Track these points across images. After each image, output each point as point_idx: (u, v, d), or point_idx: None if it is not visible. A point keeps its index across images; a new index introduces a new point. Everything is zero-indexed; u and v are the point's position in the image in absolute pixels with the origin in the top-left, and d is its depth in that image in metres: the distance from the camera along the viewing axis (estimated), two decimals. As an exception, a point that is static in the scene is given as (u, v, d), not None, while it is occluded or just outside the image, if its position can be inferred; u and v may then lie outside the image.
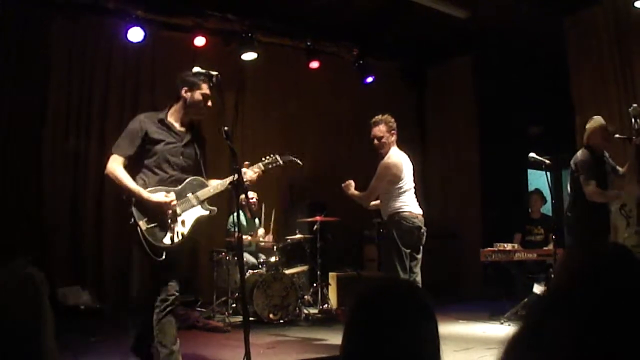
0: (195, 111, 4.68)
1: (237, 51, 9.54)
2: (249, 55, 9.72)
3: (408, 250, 6.03)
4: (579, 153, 6.73)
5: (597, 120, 6.81)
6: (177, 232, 4.44)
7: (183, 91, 4.62)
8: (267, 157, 5.01)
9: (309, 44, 10.45)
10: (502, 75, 10.66)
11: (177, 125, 4.66)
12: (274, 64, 10.68)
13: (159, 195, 4.38)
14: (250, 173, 4.75)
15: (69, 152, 8.94)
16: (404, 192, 6.17)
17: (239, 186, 4.29)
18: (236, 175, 4.28)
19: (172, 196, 4.41)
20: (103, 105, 9.24)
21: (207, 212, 4.65)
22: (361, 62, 10.96)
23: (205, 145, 4.85)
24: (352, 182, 6.53)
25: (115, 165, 4.45)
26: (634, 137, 6.50)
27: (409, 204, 6.14)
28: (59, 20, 8.82)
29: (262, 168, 4.91)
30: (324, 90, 11.04)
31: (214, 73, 4.49)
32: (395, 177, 6.14)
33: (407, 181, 6.23)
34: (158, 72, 9.52)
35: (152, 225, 4.36)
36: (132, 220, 4.35)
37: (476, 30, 10.09)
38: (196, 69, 4.57)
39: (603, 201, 6.48)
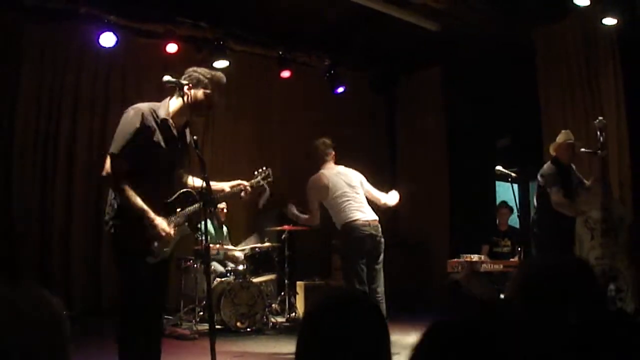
0: (197, 112, 4.33)
1: (208, 59, 9.51)
2: (220, 63, 9.68)
3: (363, 260, 6.02)
4: (546, 166, 6.81)
5: (565, 135, 6.90)
6: (165, 251, 4.23)
7: (186, 88, 4.21)
8: (260, 171, 4.87)
9: (280, 53, 10.47)
10: (471, 86, 10.77)
11: (174, 128, 4.26)
12: (246, 73, 10.67)
13: (162, 223, 4.07)
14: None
15: (37, 159, 8.86)
16: (345, 201, 6.24)
17: (207, 195, 4.06)
18: (204, 184, 4.04)
19: (172, 231, 4.16)
20: (73, 110, 9.14)
21: (189, 232, 4.42)
22: (332, 72, 10.97)
23: (196, 144, 4.30)
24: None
25: (125, 180, 4.01)
26: (599, 151, 6.57)
27: (356, 212, 6.19)
28: (31, 25, 8.74)
29: (254, 185, 4.76)
30: (295, 99, 11.06)
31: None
32: (316, 192, 6.37)
33: (339, 190, 6.29)
34: (129, 78, 9.52)
35: (144, 240, 4.08)
36: (118, 231, 4.09)
37: (446, 42, 10.18)
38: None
39: (567, 213, 6.50)
